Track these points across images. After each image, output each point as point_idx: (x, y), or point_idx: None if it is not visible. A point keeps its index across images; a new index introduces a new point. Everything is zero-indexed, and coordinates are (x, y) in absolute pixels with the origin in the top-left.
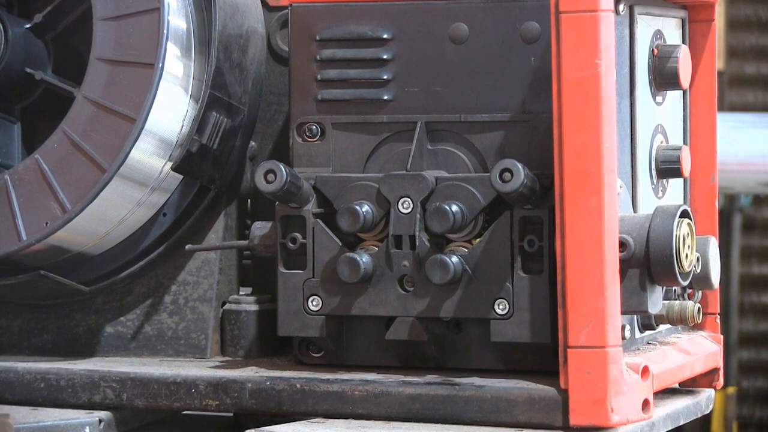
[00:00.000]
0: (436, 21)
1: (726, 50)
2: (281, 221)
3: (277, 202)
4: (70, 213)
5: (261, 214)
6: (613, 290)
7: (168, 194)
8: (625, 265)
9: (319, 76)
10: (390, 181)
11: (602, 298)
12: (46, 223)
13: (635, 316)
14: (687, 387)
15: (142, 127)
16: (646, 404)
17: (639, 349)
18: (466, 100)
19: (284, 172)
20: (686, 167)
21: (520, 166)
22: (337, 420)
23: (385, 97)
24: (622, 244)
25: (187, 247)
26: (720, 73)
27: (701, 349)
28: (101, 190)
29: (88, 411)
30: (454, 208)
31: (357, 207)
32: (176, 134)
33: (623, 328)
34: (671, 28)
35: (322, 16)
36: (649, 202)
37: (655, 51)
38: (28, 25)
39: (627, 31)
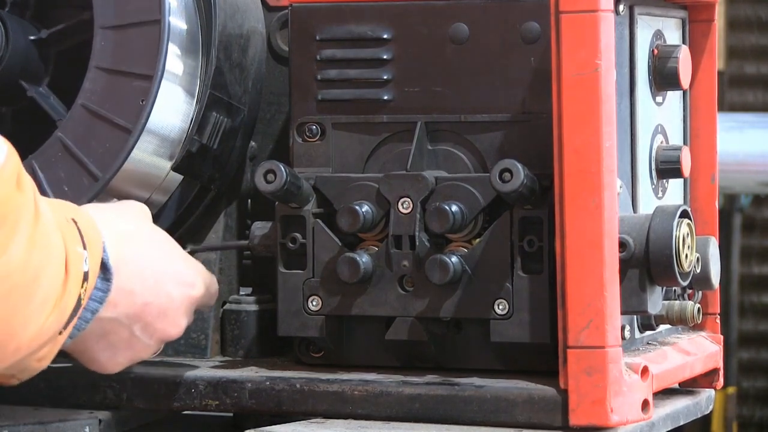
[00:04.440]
0: (436, 21)
1: (726, 50)
2: (281, 221)
3: (277, 202)
4: None
5: (261, 214)
6: (612, 290)
7: (168, 195)
8: (624, 266)
9: (319, 76)
10: (390, 181)
11: (602, 298)
12: None
13: (635, 316)
14: (687, 387)
15: (137, 139)
16: (645, 404)
17: (639, 349)
18: (466, 100)
19: (284, 172)
20: (686, 167)
21: (520, 166)
22: (336, 420)
23: (385, 97)
24: (622, 245)
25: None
26: (720, 73)
27: (701, 350)
28: (93, 199)
29: (88, 411)
30: (454, 208)
31: (357, 207)
32: (178, 136)
33: (623, 328)
34: (671, 29)
35: (323, 16)
36: (649, 202)
37: (656, 51)
38: (32, 37)
39: (627, 32)
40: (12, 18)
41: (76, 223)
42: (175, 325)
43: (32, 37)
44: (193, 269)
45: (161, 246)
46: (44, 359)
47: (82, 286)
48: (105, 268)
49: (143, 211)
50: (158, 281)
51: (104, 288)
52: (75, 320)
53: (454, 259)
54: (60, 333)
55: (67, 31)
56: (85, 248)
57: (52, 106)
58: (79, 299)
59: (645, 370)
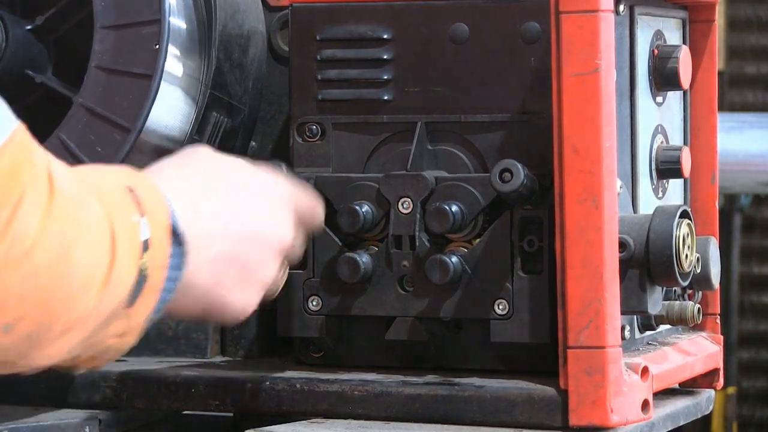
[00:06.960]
0: (436, 21)
1: (726, 50)
2: None
3: None
4: None
5: None
6: (612, 290)
7: None
8: (624, 266)
9: (319, 76)
10: (390, 181)
11: (602, 298)
12: None
13: (635, 316)
14: (687, 387)
15: (137, 138)
16: (645, 404)
17: (639, 349)
18: (466, 100)
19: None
20: (686, 168)
21: (520, 166)
22: (336, 420)
23: (386, 97)
24: (622, 245)
25: None
26: (720, 73)
27: (701, 350)
28: None
29: (88, 411)
30: (454, 208)
31: (357, 207)
32: (178, 136)
33: (623, 328)
34: (671, 29)
35: (323, 16)
36: (649, 203)
37: (656, 51)
38: (29, 27)
39: (627, 32)
40: (4, 11)
41: (133, 191)
42: (267, 273)
43: (29, 27)
44: (279, 213)
45: (240, 192)
46: (126, 335)
47: (141, 257)
48: (175, 233)
49: (212, 156)
50: (242, 235)
51: (178, 253)
52: (147, 292)
53: (454, 259)
54: (130, 306)
55: (59, 15)
56: (142, 216)
57: (65, 87)
58: (141, 270)
59: (645, 371)
